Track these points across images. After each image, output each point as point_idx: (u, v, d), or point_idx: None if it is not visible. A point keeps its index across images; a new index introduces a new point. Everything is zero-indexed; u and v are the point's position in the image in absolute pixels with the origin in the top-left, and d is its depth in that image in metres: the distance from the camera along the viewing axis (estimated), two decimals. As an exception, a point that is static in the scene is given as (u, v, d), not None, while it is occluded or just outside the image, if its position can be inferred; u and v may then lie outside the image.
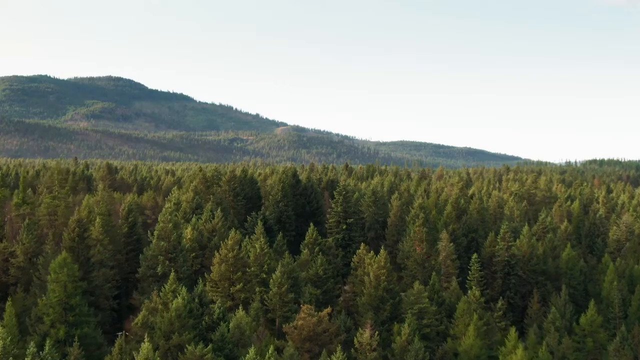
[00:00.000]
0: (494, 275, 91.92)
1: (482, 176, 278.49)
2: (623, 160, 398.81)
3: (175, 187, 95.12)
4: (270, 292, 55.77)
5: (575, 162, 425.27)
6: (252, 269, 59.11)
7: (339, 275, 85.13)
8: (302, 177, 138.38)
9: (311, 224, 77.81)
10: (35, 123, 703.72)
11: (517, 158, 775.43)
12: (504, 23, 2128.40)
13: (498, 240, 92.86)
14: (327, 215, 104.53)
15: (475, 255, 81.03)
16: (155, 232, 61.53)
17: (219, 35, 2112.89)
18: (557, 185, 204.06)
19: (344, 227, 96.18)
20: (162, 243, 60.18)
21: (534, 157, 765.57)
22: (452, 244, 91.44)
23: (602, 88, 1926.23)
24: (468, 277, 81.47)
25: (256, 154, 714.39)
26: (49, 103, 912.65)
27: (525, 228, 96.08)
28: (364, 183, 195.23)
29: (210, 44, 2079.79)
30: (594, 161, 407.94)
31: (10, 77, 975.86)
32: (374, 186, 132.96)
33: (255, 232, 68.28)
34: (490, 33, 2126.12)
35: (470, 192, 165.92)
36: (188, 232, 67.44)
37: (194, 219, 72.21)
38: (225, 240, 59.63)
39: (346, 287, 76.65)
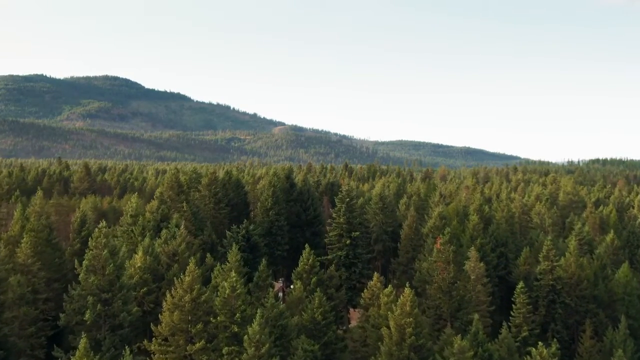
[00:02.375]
0: (532, 300, 73.92)
1: (487, 176, 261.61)
2: (626, 160, 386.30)
3: (136, 194, 76.43)
4: (245, 354, 37.59)
5: (579, 161, 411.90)
6: (220, 318, 40.73)
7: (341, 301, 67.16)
8: (298, 178, 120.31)
9: (307, 246, 59.08)
10: (30, 123, 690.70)
11: (516, 157, 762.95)
12: (503, 23, 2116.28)
13: (540, 258, 74.66)
14: (328, 227, 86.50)
15: (521, 285, 62.64)
16: (85, 263, 43.16)
17: (216, 34, 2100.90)
18: (580, 188, 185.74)
19: (348, 242, 77.78)
20: (93, 278, 41.78)
21: (533, 157, 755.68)
22: (482, 263, 73.56)
23: (601, 88, 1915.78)
24: (512, 314, 63.15)
25: (254, 153, 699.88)
26: (44, 102, 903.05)
27: (573, 243, 77.66)
28: (366, 185, 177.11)
29: (207, 43, 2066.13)
30: (597, 160, 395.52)
31: (6, 76, 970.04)
32: (381, 190, 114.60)
33: (229, 259, 49.73)
34: (490, 33, 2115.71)
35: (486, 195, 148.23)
36: (138, 258, 49.06)
37: (147, 239, 53.52)
38: (181, 276, 41.20)
39: (351, 326, 58.13)
